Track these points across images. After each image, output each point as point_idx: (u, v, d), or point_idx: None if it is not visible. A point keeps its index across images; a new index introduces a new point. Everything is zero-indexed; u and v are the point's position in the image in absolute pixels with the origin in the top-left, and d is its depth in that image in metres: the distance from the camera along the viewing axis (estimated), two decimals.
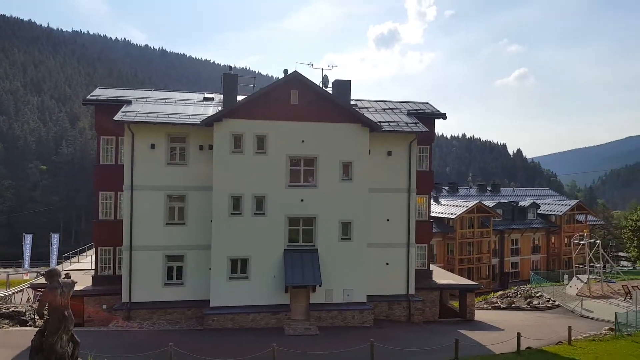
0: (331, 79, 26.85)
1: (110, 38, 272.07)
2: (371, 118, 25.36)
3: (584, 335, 22.96)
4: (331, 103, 24.21)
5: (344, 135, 24.05)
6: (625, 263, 64.89)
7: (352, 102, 26.87)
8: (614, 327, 23.42)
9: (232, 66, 34.47)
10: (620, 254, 70.22)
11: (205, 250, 23.51)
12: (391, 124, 26.08)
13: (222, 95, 26.17)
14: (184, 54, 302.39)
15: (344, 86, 25.99)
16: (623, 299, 31.42)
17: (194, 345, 18.70)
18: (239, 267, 23.36)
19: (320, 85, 25.61)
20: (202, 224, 23.92)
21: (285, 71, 24.27)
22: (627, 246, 65.75)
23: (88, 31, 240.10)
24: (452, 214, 50.15)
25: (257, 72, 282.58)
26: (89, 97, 26.44)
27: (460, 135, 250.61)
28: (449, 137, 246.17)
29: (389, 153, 26.04)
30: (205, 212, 23.75)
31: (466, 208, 49.93)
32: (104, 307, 23.98)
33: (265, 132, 23.44)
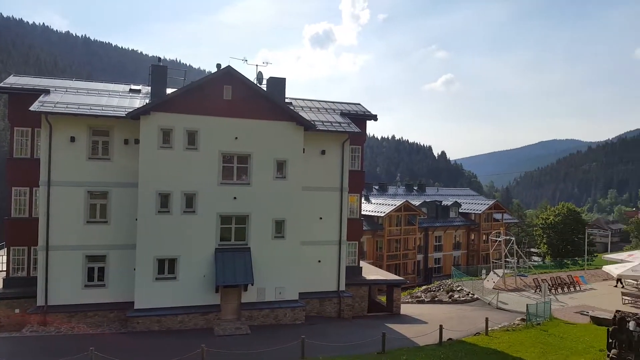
0: (266, 76, 26.70)
1: (27, 22, 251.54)
2: (305, 117, 25.51)
3: (500, 325, 24.59)
4: (266, 100, 24.05)
5: (278, 133, 23.99)
6: (536, 258, 70.45)
7: (286, 101, 26.89)
8: (525, 317, 25.30)
9: (162, 58, 33.22)
10: (532, 249, 76.27)
11: (130, 250, 22.48)
12: (325, 123, 26.40)
13: (150, 88, 25.16)
14: (109, 42, 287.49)
15: (278, 84, 25.93)
16: (534, 291, 33.99)
17: (117, 349, 17.80)
18: (166, 267, 22.56)
19: (255, 82, 25.37)
20: (127, 223, 22.83)
21: (219, 65, 23.76)
22: (538, 242, 71.59)
23: (1, 14, 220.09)
24: (381, 212, 51.81)
25: (188, 65, 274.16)
26: (1, 84, 24.30)
27: (390, 137, 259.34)
28: (379, 138, 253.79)
29: (323, 152, 26.36)
30: (130, 210, 22.70)
31: (394, 207, 51.82)
32: (17, 311, 22.21)
33: (197, 128, 22.81)
